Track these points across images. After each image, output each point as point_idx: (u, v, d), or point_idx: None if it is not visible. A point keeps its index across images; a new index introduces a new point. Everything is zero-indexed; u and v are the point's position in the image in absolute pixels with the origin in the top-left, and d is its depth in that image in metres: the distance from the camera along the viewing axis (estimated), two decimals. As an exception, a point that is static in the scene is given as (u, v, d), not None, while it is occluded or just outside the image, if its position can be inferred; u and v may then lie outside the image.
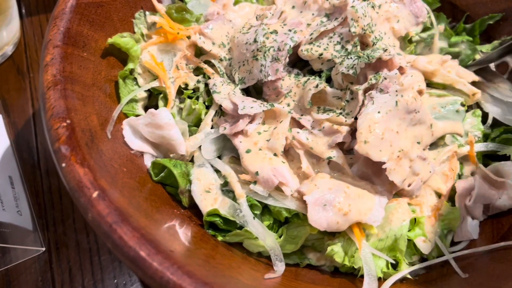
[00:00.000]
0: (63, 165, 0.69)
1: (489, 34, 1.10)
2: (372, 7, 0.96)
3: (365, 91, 0.85)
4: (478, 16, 1.11)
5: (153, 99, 0.97)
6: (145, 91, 0.95)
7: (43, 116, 0.74)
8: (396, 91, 0.83)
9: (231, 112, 0.88)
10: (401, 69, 0.89)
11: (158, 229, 0.71)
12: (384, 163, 0.80)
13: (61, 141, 0.71)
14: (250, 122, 0.87)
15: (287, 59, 0.91)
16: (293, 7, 0.99)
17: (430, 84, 0.97)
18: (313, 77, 0.91)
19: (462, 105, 0.93)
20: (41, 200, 1.10)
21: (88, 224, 0.85)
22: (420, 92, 0.89)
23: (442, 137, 0.93)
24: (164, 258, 0.63)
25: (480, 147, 0.93)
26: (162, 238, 0.69)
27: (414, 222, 0.85)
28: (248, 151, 0.85)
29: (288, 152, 0.88)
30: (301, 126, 0.89)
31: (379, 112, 0.81)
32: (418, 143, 0.86)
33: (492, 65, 1.04)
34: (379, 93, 0.83)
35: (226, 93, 0.91)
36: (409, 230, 0.84)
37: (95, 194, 0.67)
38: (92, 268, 1.04)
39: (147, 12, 1.00)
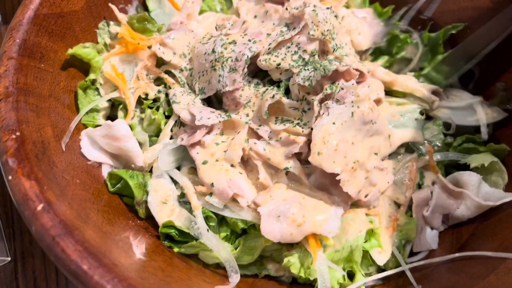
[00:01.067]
0: (10, 178, 0.69)
1: (456, 43, 1.10)
2: (335, 16, 0.96)
3: (321, 101, 0.85)
4: (446, 25, 1.10)
5: (116, 108, 0.97)
6: (107, 101, 0.95)
7: (-7, 129, 0.74)
8: (352, 102, 0.83)
9: (189, 122, 0.88)
10: (362, 76, 0.89)
11: (105, 242, 0.71)
12: (338, 174, 0.79)
13: (9, 153, 0.71)
14: (208, 133, 0.87)
15: (246, 69, 0.90)
16: (255, 16, 0.99)
17: (390, 93, 0.97)
18: (271, 87, 0.91)
19: (421, 113, 0.92)
20: (9, 209, 1.10)
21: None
22: (378, 101, 0.89)
23: (402, 146, 0.93)
24: (106, 272, 0.63)
25: (440, 156, 0.92)
26: (108, 251, 0.68)
27: (371, 233, 0.85)
28: (204, 162, 0.85)
29: (247, 163, 0.88)
30: (259, 137, 0.88)
31: (334, 123, 0.81)
32: (376, 154, 0.86)
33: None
34: (335, 103, 0.83)
35: (186, 104, 0.91)
36: (365, 241, 0.83)
37: (39, 207, 0.67)
38: (57, 278, 1.04)
39: (111, 22, 1.00)
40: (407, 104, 0.94)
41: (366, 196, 0.84)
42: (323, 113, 0.82)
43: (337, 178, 0.79)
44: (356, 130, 0.83)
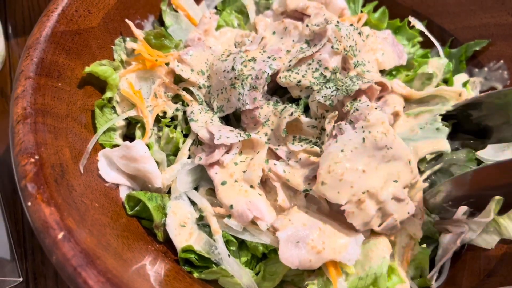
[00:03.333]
0: (29, 204, 0.67)
1: (478, 60, 1.08)
2: (359, 33, 0.95)
3: (337, 120, 0.82)
4: (466, 41, 1.09)
5: (132, 127, 0.95)
6: (124, 119, 0.93)
7: (11, 151, 0.72)
8: (362, 127, 0.79)
9: (207, 141, 0.86)
10: (383, 89, 0.86)
11: (127, 271, 0.68)
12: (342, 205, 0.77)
13: (27, 178, 0.69)
14: (227, 152, 0.85)
15: (266, 87, 0.89)
16: (274, 33, 0.98)
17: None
18: (290, 105, 0.88)
19: (445, 119, 0.89)
20: (20, 227, 1.08)
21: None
22: (396, 115, 0.86)
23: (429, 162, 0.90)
24: (129, 305, 0.61)
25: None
26: (130, 280, 0.66)
27: (391, 270, 0.82)
28: (223, 183, 0.83)
29: (265, 184, 0.86)
30: (278, 157, 0.86)
31: (342, 151, 0.77)
32: (395, 181, 0.81)
33: (477, 91, 1.03)
34: (349, 124, 0.80)
35: (204, 122, 0.89)
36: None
37: (60, 235, 0.65)
38: (70, 299, 1.01)
39: (127, 38, 0.98)
40: (425, 113, 0.91)
41: (379, 225, 0.81)
42: (336, 134, 0.79)
43: (342, 208, 0.77)
44: (369, 156, 0.79)
